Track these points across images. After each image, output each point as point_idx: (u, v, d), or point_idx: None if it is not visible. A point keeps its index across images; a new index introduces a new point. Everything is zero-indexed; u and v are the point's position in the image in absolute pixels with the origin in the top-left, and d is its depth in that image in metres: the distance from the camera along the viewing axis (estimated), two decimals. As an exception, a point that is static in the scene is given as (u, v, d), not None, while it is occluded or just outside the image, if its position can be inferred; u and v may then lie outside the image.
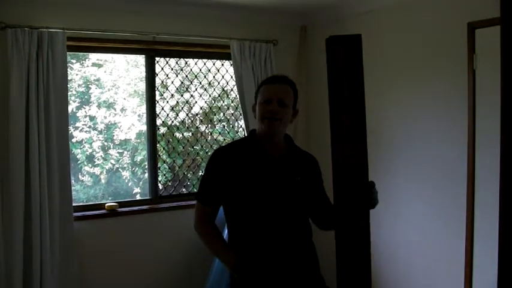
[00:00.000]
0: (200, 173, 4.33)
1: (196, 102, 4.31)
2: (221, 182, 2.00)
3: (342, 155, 1.76)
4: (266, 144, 2.03)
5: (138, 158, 4.54)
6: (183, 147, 4.28)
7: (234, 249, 2.02)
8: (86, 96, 4.45)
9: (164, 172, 4.15)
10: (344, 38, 1.72)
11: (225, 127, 4.44)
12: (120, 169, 4.52)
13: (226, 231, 3.81)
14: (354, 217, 1.81)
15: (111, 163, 4.48)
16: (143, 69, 3.97)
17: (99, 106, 4.45)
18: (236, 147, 2.10)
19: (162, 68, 4.01)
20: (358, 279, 1.80)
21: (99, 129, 4.44)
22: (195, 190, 4.17)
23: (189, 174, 4.29)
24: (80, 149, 4.38)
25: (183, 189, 4.18)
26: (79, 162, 4.39)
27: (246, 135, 4.03)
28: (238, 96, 4.03)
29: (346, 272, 1.80)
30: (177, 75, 4.20)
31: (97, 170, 4.45)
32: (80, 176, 4.41)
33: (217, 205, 2.07)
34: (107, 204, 3.67)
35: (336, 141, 1.76)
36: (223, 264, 2.03)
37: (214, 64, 4.27)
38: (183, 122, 4.28)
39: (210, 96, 4.36)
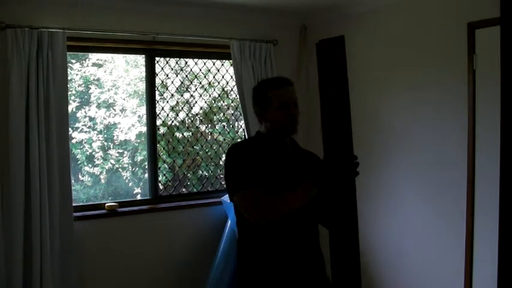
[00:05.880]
0: (200, 173, 4.33)
1: (196, 102, 4.31)
2: (252, 170, 1.97)
3: (331, 136, 1.88)
4: (276, 144, 2.07)
5: (139, 158, 4.54)
6: (183, 147, 4.28)
7: (245, 251, 2.05)
8: (85, 96, 4.46)
9: (164, 172, 4.15)
10: (330, 40, 1.84)
11: (225, 127, 4.44)
12: (120, 169, 4.52)
13: (225, 231, 3.81)
14: (341, 185, 1.81)
15: (111, 163, 4.48)
16: (143, 69, 3.97)
17: (98, 106, 4.45)
18: (251, 144, 2.12)
19: (162, 68, 4.01)
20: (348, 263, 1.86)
21: (99, 129, 4.44)
22: (195, 190, 4.18)
23: (189, 174, 4.29)
24: (80, 149, 4.38)
25: (183, 189, 4.18)
26: (79, 162, 4.40)
27: (246, 135, 4.04)
28: (238, 96, 4.03)
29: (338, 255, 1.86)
30: (177, 75, 4.20)
31: (97, 170, 4.46)
32: (79, 176, 4.41)
33: (261, 188, 1.92)
34: (107, 204, 3.67)
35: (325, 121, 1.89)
36: (308, 195, 1.83)
37: (214, 64, 4.27)
38: (183, 122, 4.28)
39: (210, 96, 4.36)
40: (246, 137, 4.02)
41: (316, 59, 1.90)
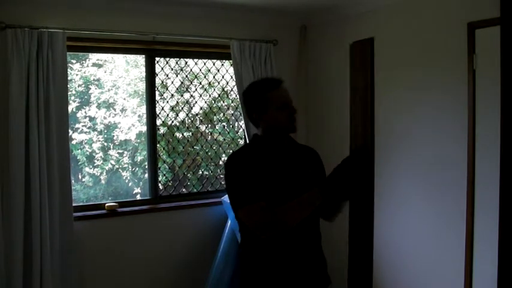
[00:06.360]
0: (200, 173, 4.33)
1: (196, 102, 4.31)
2: (254, 180, 1.96)
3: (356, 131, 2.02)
4: (276, 145, 2.07)
5: (139, 158, 4.54)
6: (183, 147, 4.28)
7: (248, 256, 2.04)
8: (85, 97, 4.46)
9: (164, 172, 4.15)
10: (361, 42, 1.96)
11: (225, 127, 4.44)
12: (120, 169, 4.53)
13: (224, 235, 3.81)
14: (365, 185, 1.87)
15: (111, 163, 4.48)
16: (143, 69, 3.97)
17: (99, 107, 4.45)
18: (249, 151, 2.10)
19: (162, 68, 4.01)
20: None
21: (99, 129, 4.45)
22: (195, 190, 4.18)
23: (189, 174, 4.29)
24: (80, 149, 4.38)
25: (183, 189, 4.18)
26: (79, 163, 4.40)
27: (245, 135, 4.03)
28: (238, 96, 4.03)
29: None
30: (177, 75, 4.20)
31: (97, 171, 4.46)
32: (79, 176, 4.42)
33: (266, 198, 1.91)
34: (107, 204, 3.67)
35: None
36: (315, 201, 1.86)
37: (214, 64, 4.27)
38: (183, 122, 4.29)
39: (210, 96, 4.36)
40: (246, 137, 4.02)
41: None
